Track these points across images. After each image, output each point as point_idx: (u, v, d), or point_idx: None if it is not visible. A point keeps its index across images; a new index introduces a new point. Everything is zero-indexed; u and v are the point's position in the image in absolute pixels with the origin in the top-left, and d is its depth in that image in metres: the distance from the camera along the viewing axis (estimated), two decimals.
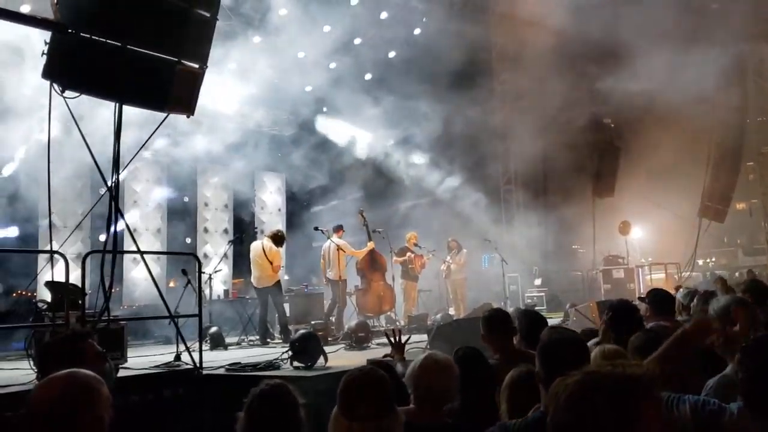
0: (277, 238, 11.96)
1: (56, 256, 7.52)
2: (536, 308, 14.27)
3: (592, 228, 19.40)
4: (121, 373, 6.85)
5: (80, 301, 7.23)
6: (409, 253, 14.17)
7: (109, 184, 7.32)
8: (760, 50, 18.88)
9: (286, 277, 16.24)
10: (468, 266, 15.50)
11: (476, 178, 19.51)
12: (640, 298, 6.41)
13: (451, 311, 14.23)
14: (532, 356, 3.76)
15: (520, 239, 20.29)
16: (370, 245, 13.26)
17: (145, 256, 8.99)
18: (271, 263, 11.59)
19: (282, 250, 12.38)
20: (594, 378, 1.61)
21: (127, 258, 15.16)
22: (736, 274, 16.79)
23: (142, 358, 8.39)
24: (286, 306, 12.33)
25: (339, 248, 12.47)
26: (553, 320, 10.78)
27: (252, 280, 12.03)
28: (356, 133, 18.40)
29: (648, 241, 21.03)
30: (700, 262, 21.86)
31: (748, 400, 2.66)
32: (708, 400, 2.78)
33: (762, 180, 21.78)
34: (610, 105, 19.08)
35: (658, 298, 5.63)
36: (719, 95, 18.67)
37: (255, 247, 12.05)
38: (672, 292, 6.54)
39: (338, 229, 13.16)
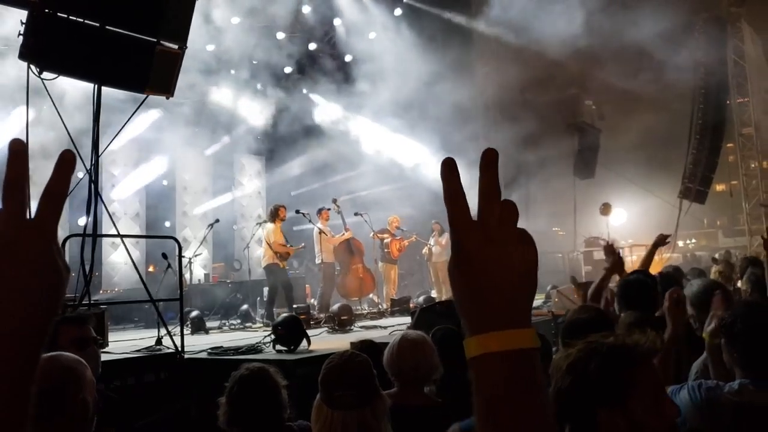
0: (271, 215, 11.99)
1: None
2: None
3: (572, 209, 19.48)
4: (102, 357, 6.74)
5: None
6: (387, 237, 14.06)
7: (88, 167, 7.22)
8: (739, 31, 18.95)
9: None
10: (450, 249, 15.46)
11: (456, 161, 19.41)
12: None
13: (434, 294, 14.22)
14: None
15: None
16: (348, 235, 13.16)
17: (124, 240, 8.91)
18: (270, 244, 11.57)
19: (278, 225, 12.06)
20: (592, 347, 1.71)
21: (105, 242, 14.96)
22: (716, 254, 16.90)
23: (123, 343, 8.31)
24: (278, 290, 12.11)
25: (321, 232, 12.39)
26: (536, 302, 10.81)
27: None
28: (336, 113, 18.29)
29: (629, 223, 21.15)
30: (681, 243, 22.04)
31: (747, 370, 2.59)
32: (703, 381, 2.69)
33: (742, 161, 21.95)
34: (592, 86, 19.15)
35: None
36: (699, 76, 18.80)
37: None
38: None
39: (321, 211, 12.97)
